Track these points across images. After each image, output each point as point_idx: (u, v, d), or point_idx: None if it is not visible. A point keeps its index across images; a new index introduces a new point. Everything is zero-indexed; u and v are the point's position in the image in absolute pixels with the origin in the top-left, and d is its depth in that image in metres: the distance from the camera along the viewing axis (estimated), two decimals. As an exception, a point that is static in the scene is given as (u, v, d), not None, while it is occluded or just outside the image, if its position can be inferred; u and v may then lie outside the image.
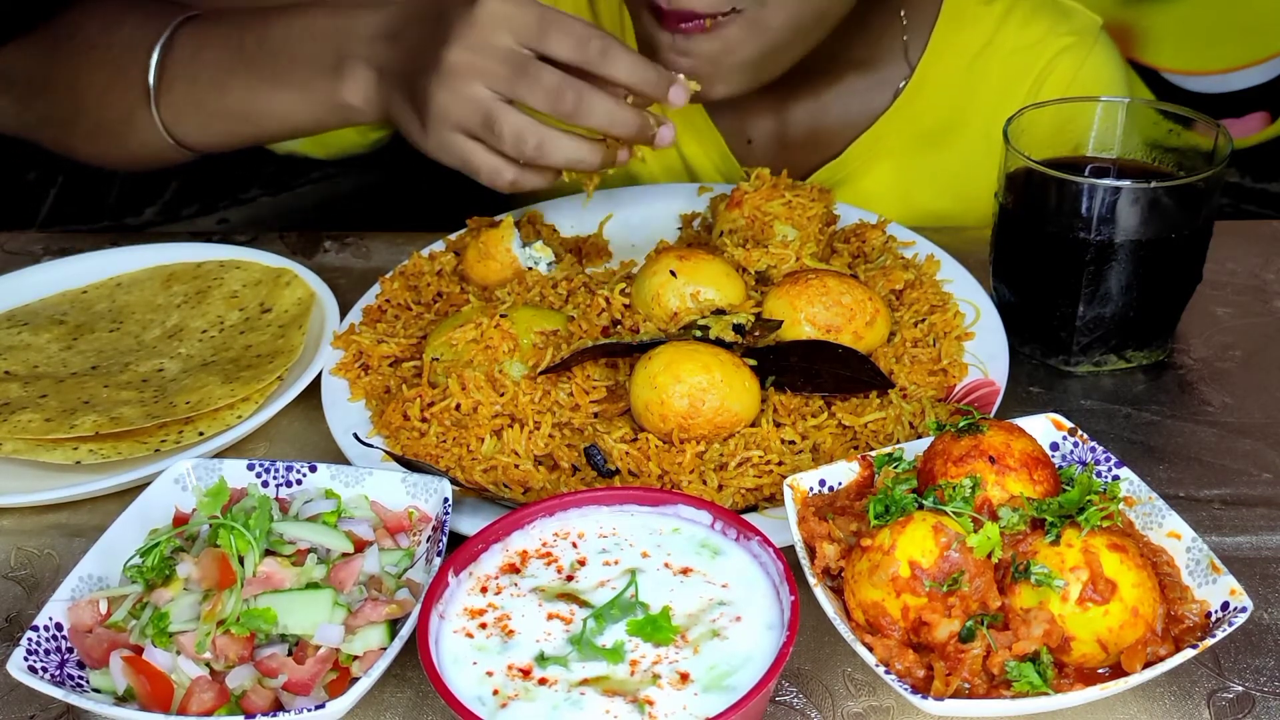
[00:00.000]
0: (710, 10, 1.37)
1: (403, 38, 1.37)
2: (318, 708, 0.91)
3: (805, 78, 1.65)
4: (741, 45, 1.41)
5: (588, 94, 1.29)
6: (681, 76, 1.36)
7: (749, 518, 1.11)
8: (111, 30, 1.58)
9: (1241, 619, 0.92)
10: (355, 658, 0.97)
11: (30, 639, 0.97)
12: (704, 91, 1.42)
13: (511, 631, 0.93)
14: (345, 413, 1.30)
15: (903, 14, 1.66)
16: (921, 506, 0.96)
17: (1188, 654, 0.91)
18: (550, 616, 0.94)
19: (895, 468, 1.07)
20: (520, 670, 0.90)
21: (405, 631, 0.96)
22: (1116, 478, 1.05)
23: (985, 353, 1.32)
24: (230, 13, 1.54)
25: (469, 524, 1.12)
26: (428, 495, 1.11)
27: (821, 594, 0.96)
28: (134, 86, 1.52)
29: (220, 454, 1.27)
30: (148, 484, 1.12)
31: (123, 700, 0.96)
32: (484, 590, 0.97)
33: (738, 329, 1.25)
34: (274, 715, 0.90)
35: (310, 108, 1.45)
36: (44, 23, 1.68)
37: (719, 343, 1.23)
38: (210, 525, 1.02)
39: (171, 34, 1.52)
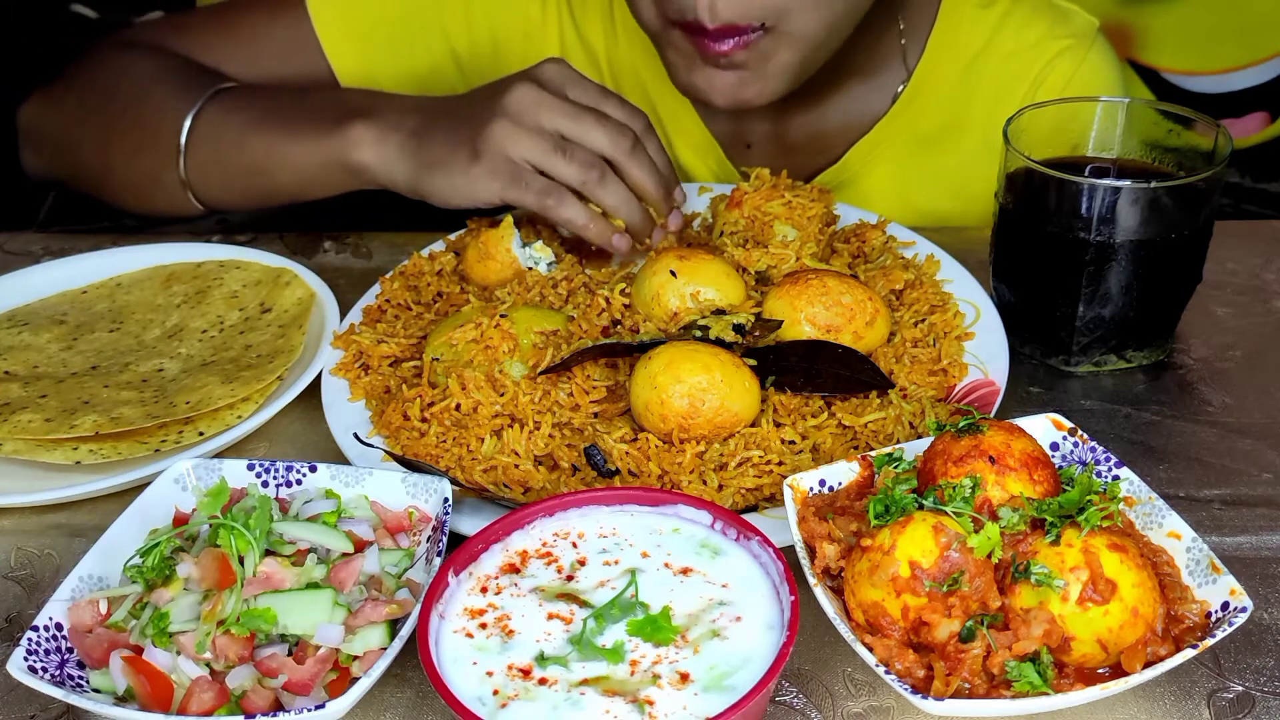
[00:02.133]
0: (747, 21, 1.41)
1: (435, 115, 1.46)
2: (318, 708, 0.91)
3: (806, 85, 1.65)
4: (778, 53, 1.46)
5: (640, 149, 1.40)
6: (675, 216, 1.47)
7: (749, 518, 1.11)
8: (146, 95, 1.63)
9: (1241, 619, 0.92)
10: (355, 658, 0.97)
11: (30, 639, 0.97)
12: (745, 99, 1.49)
13: (511, 631, 0.93)
14: (345, 413, 1.30)
15: (900, 19, 1.66)
16: (921, 506, 0.96)
17: (1188, 654, 0.91)
18: (550, 616, 0.94)
19: (895, 468, 1.07)
20: (520, 670, 0.90)
21: (405, 631, 0.96)
22: (1116, 478, 1.06)
23: (985, 353, 1.32)
24: (271, 86, 1.59)
25: (469, 524, 1.12)
26: (428, 495, 1.12)
27: (821, 594, 0.96)
28: (163, 150, 1.59)
29: (220, 454, 1.27)
30: (148, 484, 1.12)
31: (123, 700, 0.96)
32: (484, 590, 0.97)
33: (738, 329, 1.25)
34: (274, 715, 0.90)
35: (318, 158, 1.51)
36: (60, 75, 1.73)
37: (719, 343, 1.23)
38: (210, 525, 1.02)
39: (206, 102, 1.58)
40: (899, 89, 1.69)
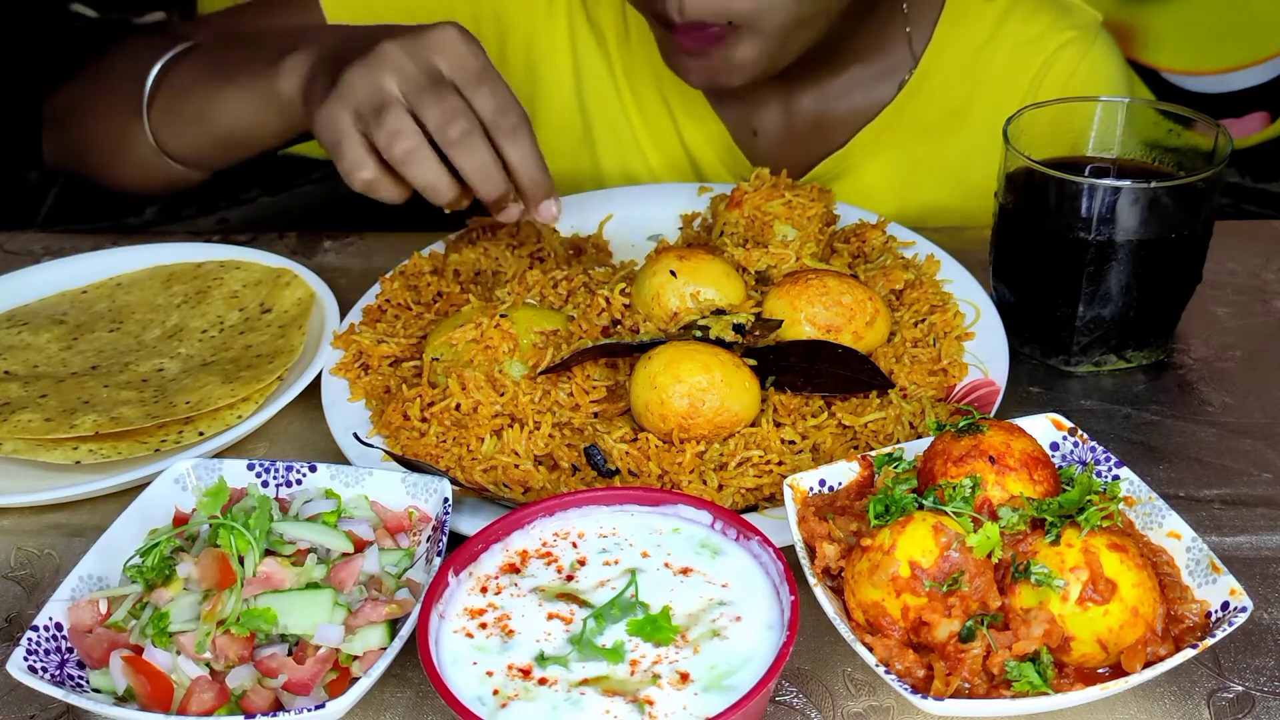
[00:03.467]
0: (715, 19, 1.42)
1: (356, 37, 1.38)
2: (318, 708, 0.91)
3: (810, 69, 1.68)
4: (747, 48, 1.47)
5: (476, 136, 1.29)
6: (554, 201, 1.36)
7: (749, 518, 1.11)
8: (131, 68, 1.62)
9: (1241, 619, 0.92)
10: (355, 658, 0.97)
11: (30, 639, 0.97)
12: (717, 82, 1.49)
13: (511, 631, 0.93)
14: (345, 413, 1.30)
15: (905, 7, 1.68)
16: (921, 506, 0.96)
17: (1188, 654, 0.91)
18: (550, 616, 0.94)
19: (895, 468, 1.07)
20: (520, 670, 0.90)
21: (405, 631, 0.96)
22: (1116, 478, 1.06)
23: (985, 353, 1.32)
24: (229, 37, 1.57)
25: (469, 524, 1.12)
26: (428, 495, 1.12)
27: (821, 594, 0.96)
28: (136, 111, 1.56)
29: (220, 454, 1.27)
30: (148, 484, 1.12)
31: (123, 700, 0.96)
32: (484, 590, 0.97)
33: (738, 329, 1.25)
34: (274, 715, 0.90)
35: (252, 101, 1.46)
36: (82, 70, 1.74)
37: (719, 343, 1.23)
38: (210, 525, 1.02)
39: (170, 59, 1.56)
40: (905, 77, 1.70)
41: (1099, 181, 1.25)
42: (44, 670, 0.96)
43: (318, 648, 0.97)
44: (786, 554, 0.97)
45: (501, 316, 1.30)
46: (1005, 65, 1.69)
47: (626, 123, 1.77)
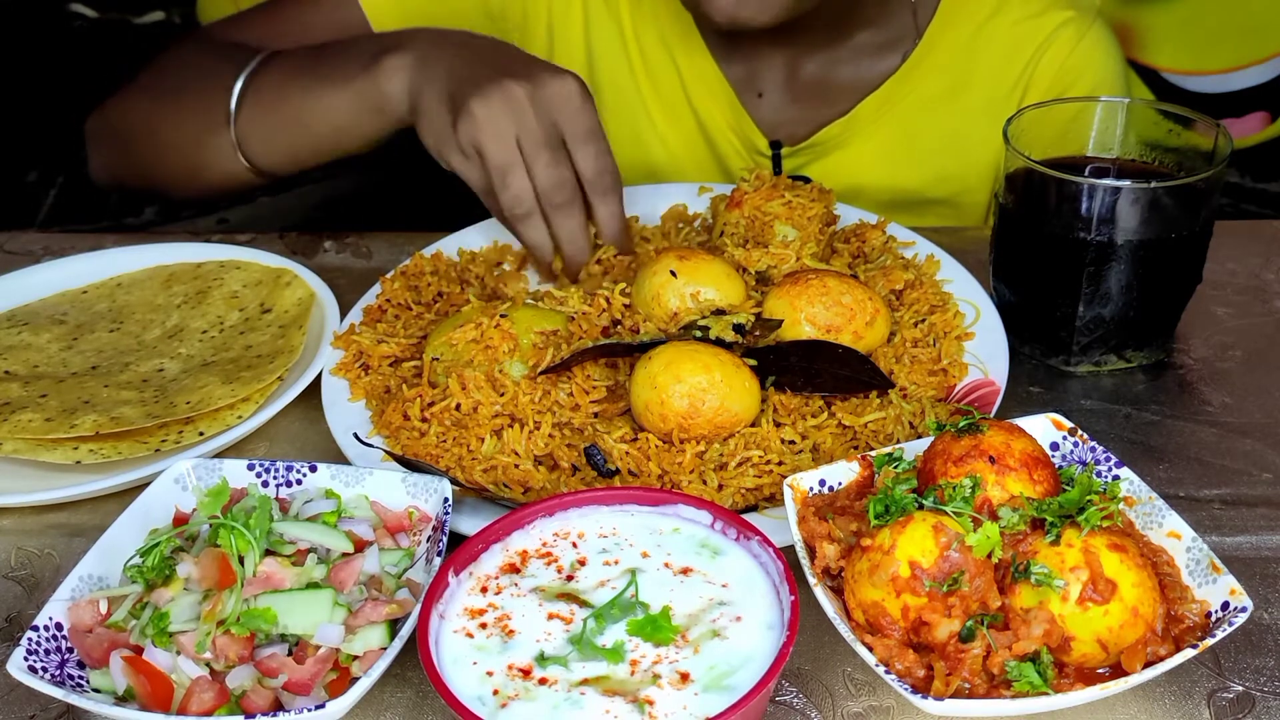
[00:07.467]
0: None
1: (470, 49, 1.44)
2: (318, 708, 0.91)
3: (816, 32, 1.70)
4: None
5: (576, 205, 1.41)
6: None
7: (749, 518, 1.11)
8: (204, 74, 1.64)
9: (1241, 619, 0.92)
10: (355, 658, 0.97)
11: (30, 639, 0.97)
12: (740, 17, 1.51)
13: (512, 631, 0.93)
14: (345, 413, 1.30)
15: None
16: (921, 506, 0.96)
17: (1188, 654, 0.91)
18: (550, 616, 0.94)
19: (895, 468, 1.07)
20: (520, 670, 0.90)
21: (405, 631, 0.96)
22: (1116, 478, 1.06)
23: (985, 353, 1.32)
24: (323, 43, 1.61)
25: (469, 524, 1.12)
26: (428, 495, 1.12)
27: (821, 594, 0.96)
28: (216, 115, 1.59)
29: (220, 454, 1.27)
30: (148, 484, 1.12)
31: (123, 700, 0.96)
32: (484, 590, 0.97)
33: (738, 329, 1.25)
34: (274, 715, 0.90)
35: (351, 100, 1.50)
36: (121, 86, 1.75)
37: (719, 343, 1.23)
38: (210, 525, 1.02)
39: (258, 64, 1.59)
40: (909, 48, 1.73)
41: (1099, 181, 1.26)
42: (44, 670, 0.96)
43: (318, 648, 0.97)
44: (786, 554, 0.97)
45: (501, 316, 1.30)
46: (1005, 42, 1.72)
47: (634, 86, 1.78)
